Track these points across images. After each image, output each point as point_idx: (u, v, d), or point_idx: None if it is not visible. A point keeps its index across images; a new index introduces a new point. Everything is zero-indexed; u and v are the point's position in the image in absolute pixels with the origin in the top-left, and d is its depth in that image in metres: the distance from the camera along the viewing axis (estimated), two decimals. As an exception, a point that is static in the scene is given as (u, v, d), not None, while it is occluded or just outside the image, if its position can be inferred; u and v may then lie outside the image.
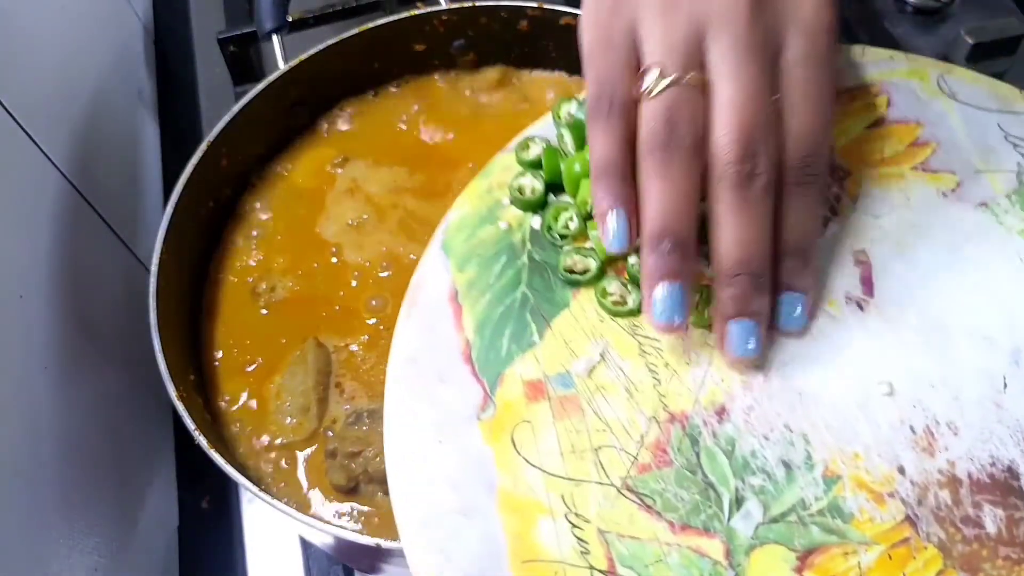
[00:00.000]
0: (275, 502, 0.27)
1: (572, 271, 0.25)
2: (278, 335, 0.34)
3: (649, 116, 0.21)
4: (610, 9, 0.22)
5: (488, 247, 0.26)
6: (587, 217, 0.26)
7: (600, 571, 0.21)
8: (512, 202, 0.27)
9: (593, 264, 0.25)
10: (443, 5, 0.39)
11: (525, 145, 0.28)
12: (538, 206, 0.27)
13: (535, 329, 0.25)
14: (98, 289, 0.38)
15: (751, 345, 0.23)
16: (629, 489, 0.22)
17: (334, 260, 0.36)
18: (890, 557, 0.21)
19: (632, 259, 0.25)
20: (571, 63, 0.40)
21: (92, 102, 0.41)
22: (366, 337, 0.34)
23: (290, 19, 0.41)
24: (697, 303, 0.24)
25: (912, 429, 0.23)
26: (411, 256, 0.35)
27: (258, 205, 0.38)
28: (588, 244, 0.26)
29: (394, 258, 0.36)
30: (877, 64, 0.29)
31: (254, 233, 0.37)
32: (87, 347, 0.35)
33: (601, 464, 0.22)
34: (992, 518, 0.21)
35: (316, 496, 0.31)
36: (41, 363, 0.31)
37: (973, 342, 0.24)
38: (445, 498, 0.22)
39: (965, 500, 0.22)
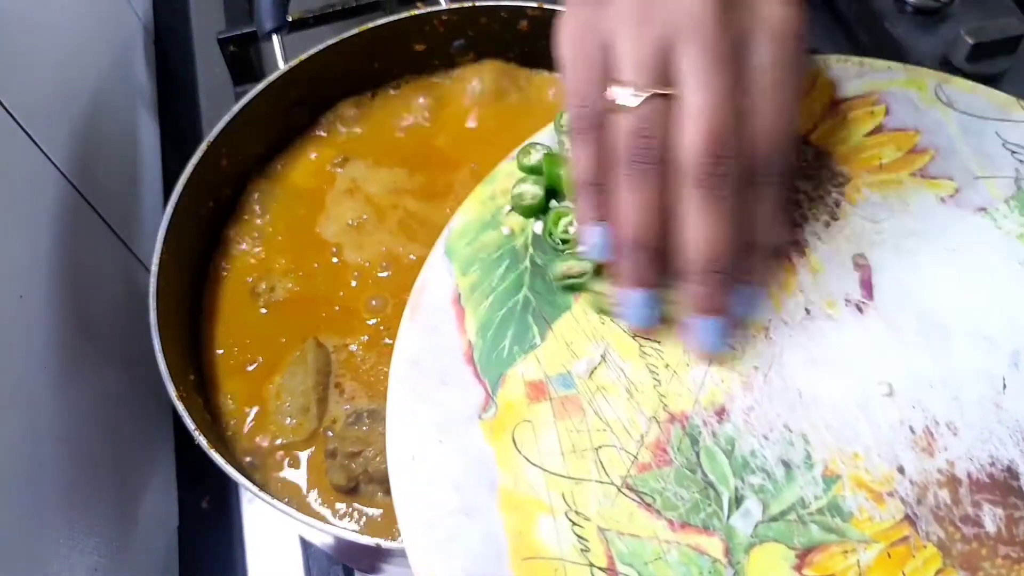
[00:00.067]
0: (275, 502, 0.27)
1: (568, 276, 0.25)
2: (278, 335, 0.34)
3: (622, 131, 0.22)
4: (585, 25, 0.23)
5: (491, 251, 0.27)
6: None
7: (600, 568, 0.21)
8: (513, 208, 0.27)
9: (587, 266, 0.25)
10: (443, 5, 0.39)
11: (527, 151, 0.28)
12: (538, 211, 0.27)
13: (537, 331, 0.25)
14: (98, 289, 0.38)
15: (721, 340, 0.23)
16: (629, 488, 0.22)
17: (334, 260, 0.36)
18: (889, 555, 0.21)
19: None
20: (571, 63, 0.40)
21: (92, 102, 0.41)
22: (366, 337, 0.34)
23: (290, 19, 0.41)
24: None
25: (911, 429, 0.23)
26: (411, 256, 0.36)
27: (258, 205, 0.38)
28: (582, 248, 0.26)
29: (394, 258, 0.36)
30: (875, 74, 0.30)
31: (254, 233, 0.37)
32: (87, 347, 0.35)
33: (601, 463, 0.22)
34: (991, 517, 0.21)
35: (316, 496, 0.31)
36: (41, 363, 0.31)
37: (972, 344, 0.24)
38: (446, 497, 0.22)
39: (964, 499, 0.22)
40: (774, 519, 0.21)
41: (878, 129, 0.28)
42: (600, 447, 0.23)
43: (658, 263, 0.23)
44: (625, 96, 0.22)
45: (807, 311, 0.25)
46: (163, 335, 0.30)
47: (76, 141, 0.38)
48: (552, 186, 0.27)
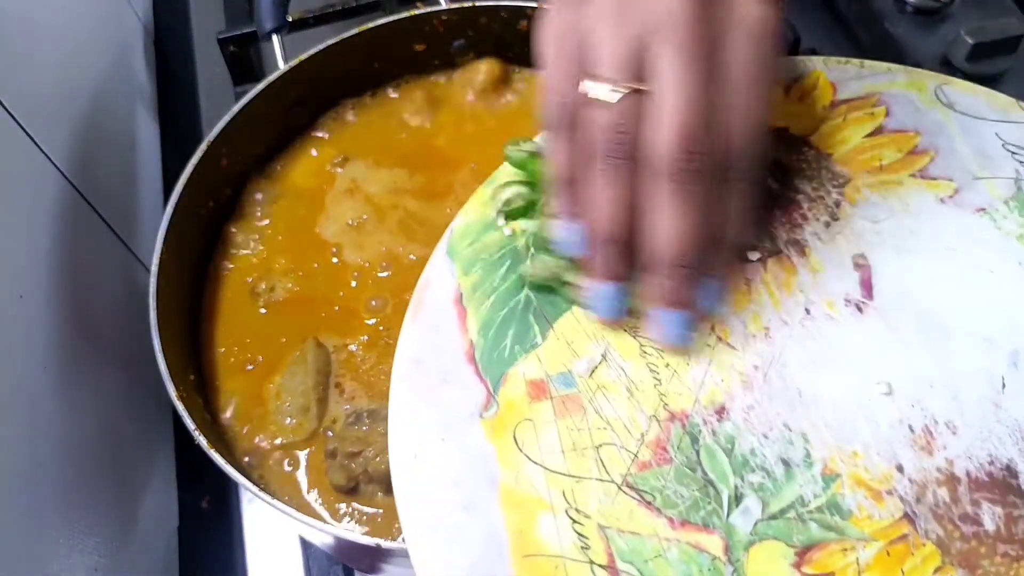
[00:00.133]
0: (275, 502, 0.27)
1: (544, 270, 0.26)
2: (278, 335, 0.34)
3: (596, 126, 0.23)
4: (565, 24, 0.23)
5: (492, 252, 0.27)
6: None
7: (600, 566, 0.21)
8: (500, 213, 0.27)
9: (562, 261, 0.26)
10: (443, 5, 0.39)
11: (516, 142, 0.28)
12: (527, 212, 0.27)
13: (538, 330, 0.25)
14: (98, 289, 0.38)
15: (688, 333, 0.24)
16: (629, 486, 0.22)
17: (334, 260, 0.36)
18: (888, 553, 0.21)
19: None
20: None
21: (92, 102, 0.41)
22: (366, 337, 0.34)
23: (290, 19, 0.42)
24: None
25: (911, 428, 0.23)
26: (411, 257, 0.36)
27: (258, 205, 0.38)
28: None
29: (394, 258, 0.36)
30: (875, 76, 0.30)
31: (254, 233, 0.37)
32: (87, 347, 0.35)
33: (602, 461, 0.22)
34: (991, 516, 0.21)
35: (316, 496, 0.31)
36: (41, 363, 0.31)
37: (972, 344, 0.24)
38: (448, 495, 0.22)
39: (963, 498, 0.22)
40: (773, 517, 0.22)
41: (878, 130, 0.28)
42: (600, 445, 0.23)
43: (628, 257, 0.24)
44: (600, 92, 0.22)
45: (807, 311, 0.25)
46: (163, 335, 0.30)
47: (76, 141, 0.38)
48: (535, 183, 0.27)
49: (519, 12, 0.39)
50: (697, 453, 0.22)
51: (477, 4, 0.39)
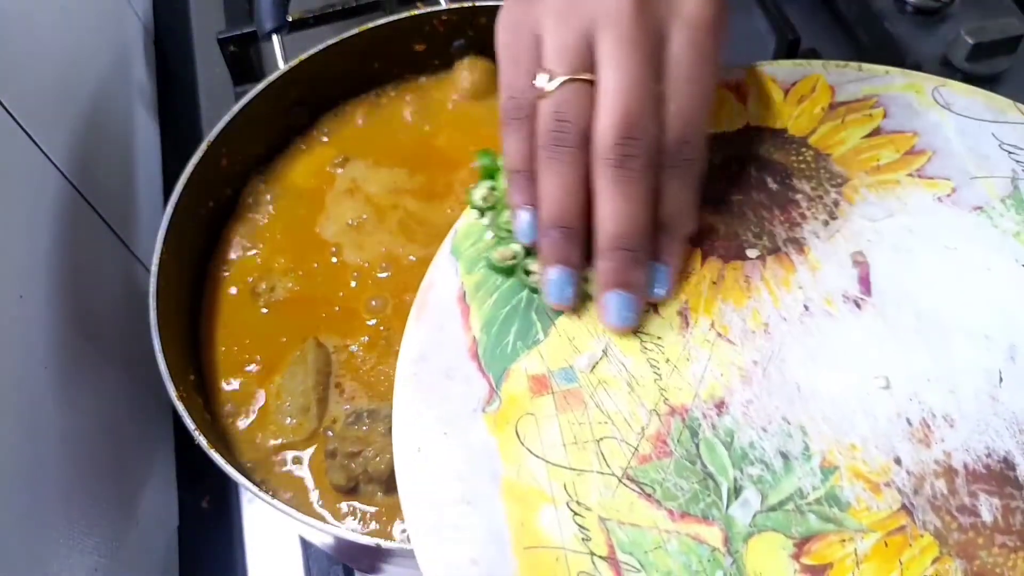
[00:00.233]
0: (275, 502, 0.27)
1: (503, 259, 0.26)
2: (278, 335, 0.34)
3: (542, 116, 0.24)
4: (518, 19, 0.24)
5: None
6: None
7: (601, 557, 0.21)
8: (475, 205, 0.28)
9: (519, 249, 0.26)
10: (443, 5, 0.39)
11: (488, 151, 0.28)
12: (496, 207, 0.28)
13: (540, 327, 0.25)
14: (98, 289, 0.38)
15: (629, 315, 0.24)
16: (630, 478, 0.22)
17: (334, 260, 0.36)
18: (886, 544, 0.21)
19: None
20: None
21: (92, 102, 0.41)
22: (366, 338, 0.34)
23: (290, 19, 0.42)
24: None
25: (908, 421, 0.23)
26: (410, 257, 0.36)
27: (258, 205, 0.38)
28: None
29: (393, 259, 0.36)
30: (874, 79, 0.30)
31: (254, 233, 0.37)
32: (87, 347, 0.35)
33: (602, 454, 0.23)
34: (988, 507, 0.22)
35: (316, 496, 0.31)
36: (41, 363, 0.31)
37: (969, 338, 0.24)
38: (451, 488, 0.22)
39: (961, 490, 0.22)
40: (772, 509, 0.22)
41: (876, 131, 0.29)
42: (601, 439, 0.23)
43: (577, 242, 0.24)
44: (547, 82, 0.23)
45: (806, 307, 0.25)
46: (163, 335, 0.30)
47: (76, 141, 0.38)
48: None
49: (518, 13, 0.39)
50: (697, 446, 0.23)
51: (477, 4, 0.39)
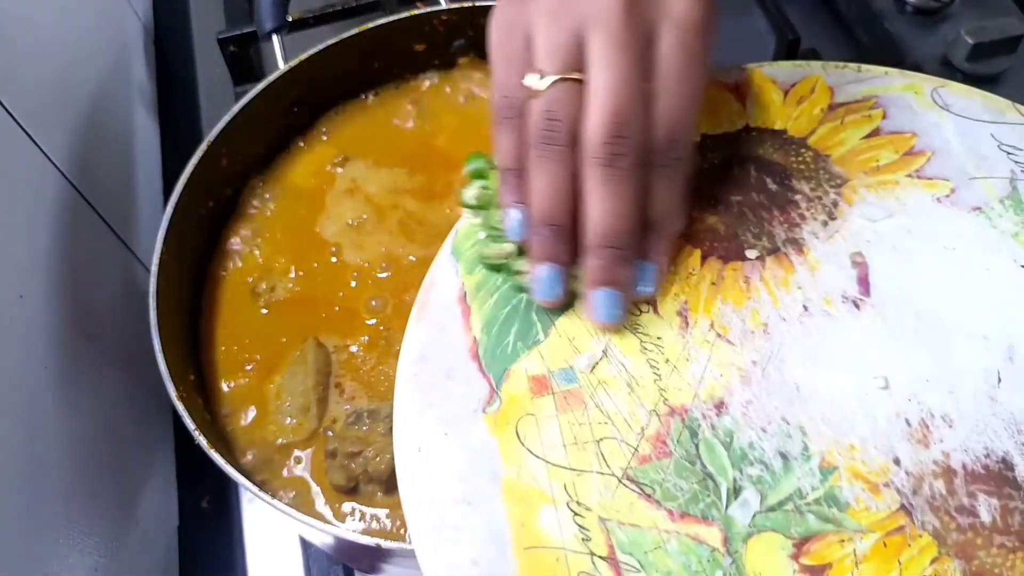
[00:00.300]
0: (275, 502, 0.27)
1: (493, 256, 0.26)
2: (278, 335, 0.34)
3: (533, 115, 0.24)
4: (510, 20, 0.25)
5: None
6: None
7: (600, 557, 0.21)
8: (466, 204, 0.28)
9: (511, 248, 0.26)
10: (443, 5, 0.39)
11: (479, 154, 0.29)
12: (487, 206, 0.28)
13: (540, 328, 0.25)
14: (98, 289, 0.38)
15: (616, 312, 0.25)
16: (629, 479, 0.22)
17: (334, 260, 0.36)
18: (885, 544, 0.21)
19: None
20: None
21: (92, 102, 0.41)
22: (366, 338, 0.34)
23: (290, 19, 0.42)
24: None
25: (907, 422, 0.23)
26: (410, 257, 0.36)
27: (258, 205, 0.38)
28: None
29: (393, 259, 0.36)
30: (873, 79, 0.30)
31: (254, 233, 0.37)
32: (87, 347, 0.35)
33: (602, 455, 0.23)
34: (987, 507, 0.22)
35: (316, 496, 0.31)
36: (41, 363, 0.31)
37: (968, 339, 0.24)
38: (451, 488, 0.22)
39: (960, 490, 0.22)
40: (772, 509, 0.22)
41: (875, 132, 0.29)
42: (601, 439, 0.23)
43: (566, 240, 0.24)
44: (537, 82, 0.23)
45: (805, 307, 0.25)
46: (163, 335, 0.30)
47: (76, 141, 0.38)
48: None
49: (518, 13, 0.39)
50: (696, 447, 0.23)
51: (477, 4, 0.39)
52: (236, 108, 0.36)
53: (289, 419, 0.32)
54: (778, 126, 0.30)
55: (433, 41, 0.40)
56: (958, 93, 0.30)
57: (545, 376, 0.24)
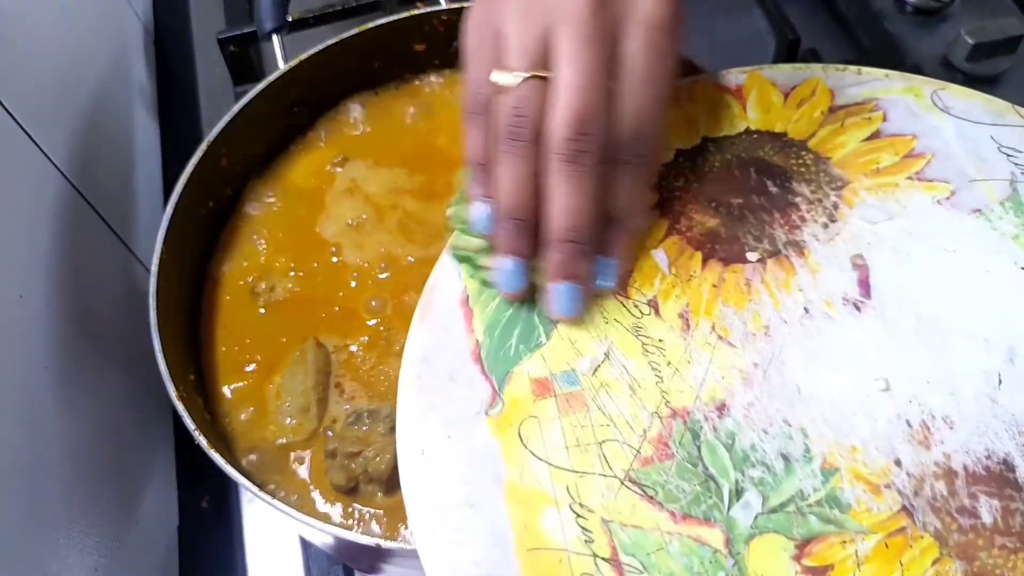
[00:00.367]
0: (275, 502, 0.27)
1: (460, 249, 0.27)
2: (278, 335, 0.34)
3: (501, 111, 0.24)
4: (483, 18, 0.25)
5: None
6: None
7: (603, 559, 0.21)
8: (452, 224, 0.28)
9: (478, 241, 0.26)
10: (443, 5, 0.39)
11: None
12: None
13: (542, 331, 0.25)
14: (98, 289, 0.38)
15: (575, 305, 0.25)
16: (632, 481, 0.22)
17: (334, 260, 0.36)
18: (887, 546, 0.21)
19: None
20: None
21: (92, 102, 0.41)
22: (366, 338, 0.34)
23: (290, 19, 0.42)
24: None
25: (908, 423, 0.23)
26: (409, 258, 0.36)
27: (258, 205, 0.38)
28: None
29: (393, 259, 0.36)
30: (873, 82, 0.30)
31: (254, 233, 0.37)
32: (87, 347, 0.35)
33: (605, 457, 0.23)
34: (988, 508, 0.22)
35: (316, 496, 0.31)
36: (41, 363, 0.31)
37: (968, 341, 0.24)
38: (454, 490, 0.23)
39: (961, 491, 0.22)
40: (773, 511, 0.22)
41: (876, 135, 0.29)
42: (604, 441, 0.23)
43: (530, 234, 0.25)
44: (506, 79, 0.24)
45: (806, 310, 0.25)
46: (163, 335, 0.30)
47: (76, 141, 0.38)
48: None
49: (518, 13, 0.39)
50: (698, 449, 0.23)
51: (477, 5, 0.39)
52: (236, 108, 0.36)
53: (289, 419, 0.32)
54: (779, 129, 0.30)
55: (433, 41, 0.40)
56: (958, 95, 0.30)
57: (547, 379, 0.24)
